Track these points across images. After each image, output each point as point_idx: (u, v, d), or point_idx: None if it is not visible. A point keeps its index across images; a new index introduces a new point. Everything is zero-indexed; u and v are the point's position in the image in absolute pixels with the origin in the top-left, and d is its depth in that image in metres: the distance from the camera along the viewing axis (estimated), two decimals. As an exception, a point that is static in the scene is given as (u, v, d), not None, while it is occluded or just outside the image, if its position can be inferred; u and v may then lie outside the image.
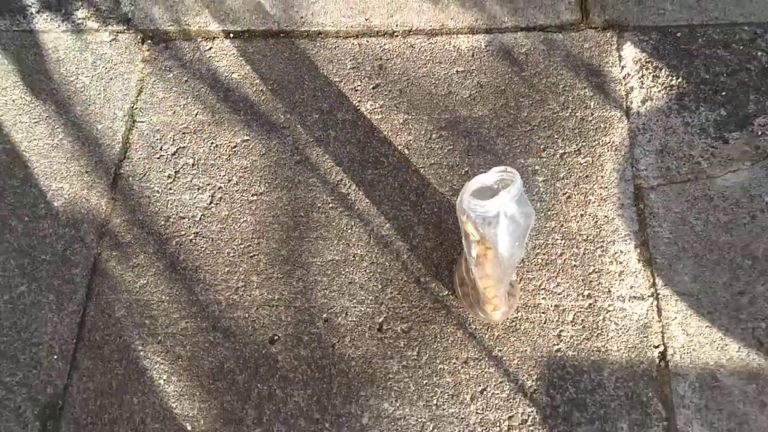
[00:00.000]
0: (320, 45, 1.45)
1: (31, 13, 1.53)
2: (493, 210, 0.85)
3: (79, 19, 1.51)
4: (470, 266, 1.04)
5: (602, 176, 1.29)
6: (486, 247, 0.97)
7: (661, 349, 1.15)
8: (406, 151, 1.32)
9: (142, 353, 1.19)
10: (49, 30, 1.50)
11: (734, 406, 1.10)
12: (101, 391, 1.17)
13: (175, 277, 1.24)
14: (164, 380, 1.17)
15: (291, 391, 1.15)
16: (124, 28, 1.49)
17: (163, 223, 1.29)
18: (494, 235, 0.89)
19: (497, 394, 1.14)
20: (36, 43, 1.49)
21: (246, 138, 1.36)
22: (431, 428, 1.12)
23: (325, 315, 1.20)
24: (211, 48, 1.46)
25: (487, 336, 1.17)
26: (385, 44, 1.44)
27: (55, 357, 1.19)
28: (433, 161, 1.31)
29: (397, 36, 1.45)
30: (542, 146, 1.32)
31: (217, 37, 1.47)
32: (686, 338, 1.16)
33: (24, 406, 1.17)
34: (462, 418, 1.12)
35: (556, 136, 1.33)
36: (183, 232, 1.28)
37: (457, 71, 1.40)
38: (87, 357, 1.19)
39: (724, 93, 1.36)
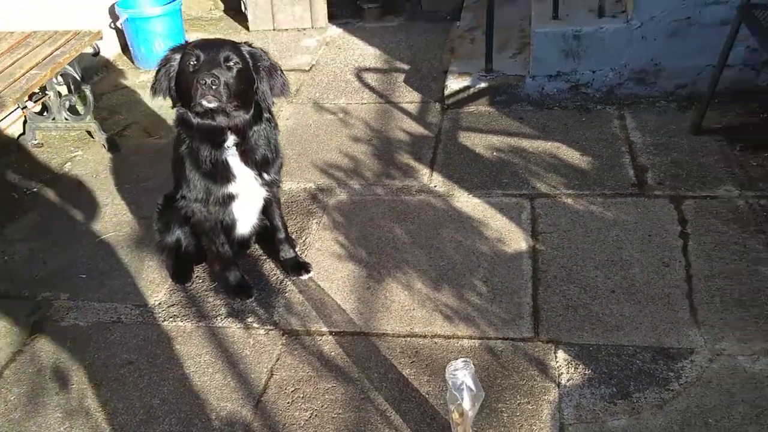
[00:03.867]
0: (382, 340, 2.54)
1: (221, 318, 2.73)
2: (460, 379, 1.81)
3: (249, 322, 2.69)
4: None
5: (541, 416, 2.19)
6: (460, 414, 1.88)
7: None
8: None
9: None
10: (230, 327, 2.68)
11: None
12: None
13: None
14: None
15: None
16: (273, 328, 2.65)
17: (281, 428, 2.23)
18: (462, 398, 1.82)
19: None
20: (223, 333, 2.64)
21: (334, 384, 2.36)
22: None
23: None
24: (320, 340, 2.57)
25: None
26: (420, 342, 2.52)
27: None
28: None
29: (427, 338, 2.54)
30: (507, 398, 2.26)
31: (325, 334, 2.60)
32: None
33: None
34: None
35: (516, 395, 2.27)
36: None
37: (459, 354, 2.43)
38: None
39: (613, 380, 2.31)
